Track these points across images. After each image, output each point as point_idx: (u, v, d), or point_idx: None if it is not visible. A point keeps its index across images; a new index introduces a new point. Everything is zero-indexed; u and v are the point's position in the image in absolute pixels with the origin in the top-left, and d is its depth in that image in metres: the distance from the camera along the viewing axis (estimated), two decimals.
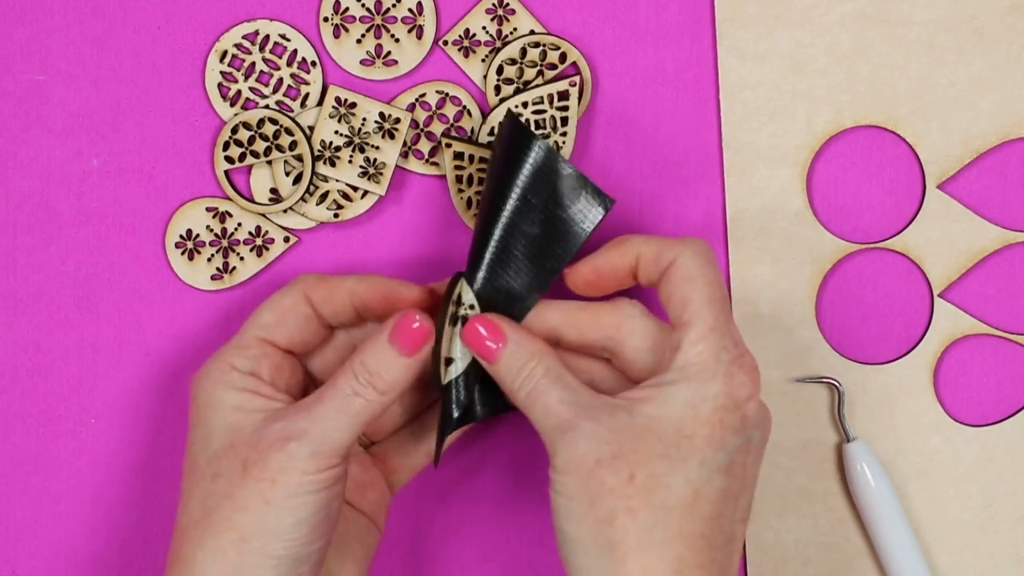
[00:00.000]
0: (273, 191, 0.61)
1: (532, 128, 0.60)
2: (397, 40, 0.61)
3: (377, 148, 0.60)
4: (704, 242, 0.53)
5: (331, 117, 0.60)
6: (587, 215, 0.55)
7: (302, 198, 0.61)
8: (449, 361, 0.54)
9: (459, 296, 0.54)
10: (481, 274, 0.54)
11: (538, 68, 0.61)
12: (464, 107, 0.61)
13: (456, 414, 0.54)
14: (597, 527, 0.49)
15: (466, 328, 0.53)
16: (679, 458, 0.49)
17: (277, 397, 0.53)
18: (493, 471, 0.62)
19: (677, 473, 0.49)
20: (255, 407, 0.52)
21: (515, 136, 0.54)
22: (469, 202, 0.60)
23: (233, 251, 0.61)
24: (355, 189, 0.61)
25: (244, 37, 0.61)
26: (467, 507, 0.62)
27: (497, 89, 0.61)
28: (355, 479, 0.56)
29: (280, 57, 0.61)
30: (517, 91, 0.61)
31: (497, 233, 0.54)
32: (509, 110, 0.54)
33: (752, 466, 0.52)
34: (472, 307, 0.54)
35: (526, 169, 0.54)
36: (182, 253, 0.61)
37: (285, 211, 0.61)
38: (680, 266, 0.52)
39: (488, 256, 0.54)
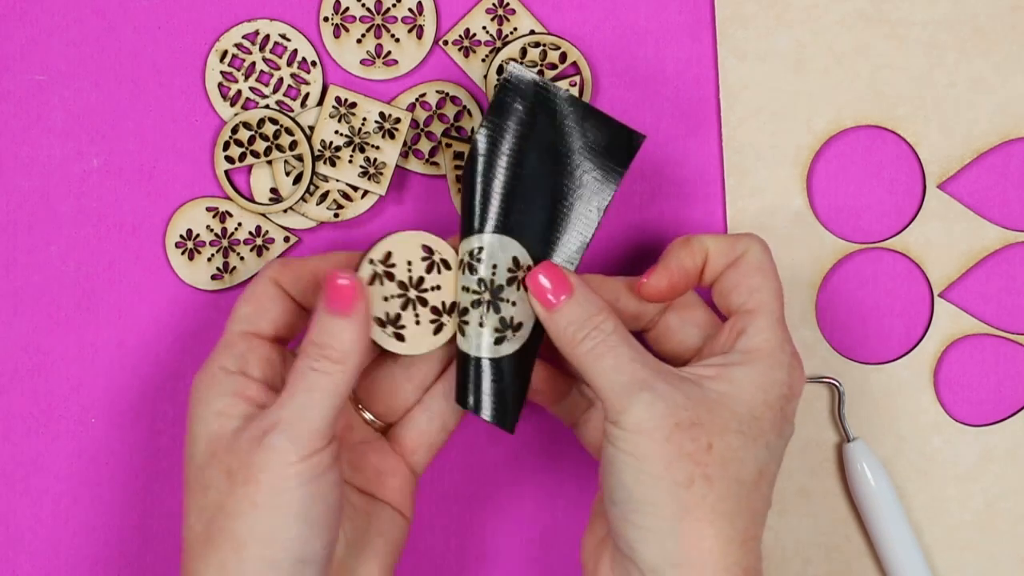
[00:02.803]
0: (273, 191, 0.61)
1: None
2: (397, 40, 0.61)
3: (377, 148, 0.60)
4: (764, 240, 0.55)
5: (331, 117, 0.60)
6: (620, 153, 0.55)
7: (302, 198, 0.61)
8: (519, 326, 0.54)
9: (515, 259, 0.54)
10: (522, 232, 0.54)
11: (538, 68, 0.61)
12: (464, 107, 0.61)
13: (521, 383, 0.54)
14: (674, 489, 0.49)
15: (531, 276, 0.53)
16: (751, 436, 0.51)
17: (262, 397, 0.52)
18: (492, 468, 0.62)
19: (748, 450, 0.50)
20: (237, 412, 0.51)
21: (528, 88, 0.54)
22: None
23: (233, 251, 0.61)
24: (355, 189, 0.61)
25: (244, 37, 0.61)
26: (466, 506, 0.62)
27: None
28: (374, 468, 0.56)
29: (280, 57, 0.61)
30: None
31: (537, 191, 0.54)
32: (513, 63, 0.54)
33: (783, 459, 0.53)
34: (530, 267, 0.54)
35: (553, 121, 0.54)
36: (182, 253, 0.61)
37: (285, 211, 0.61)
38: (752, 256, 0.54)
39: (530, 216, 0.54)
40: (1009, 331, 0.62)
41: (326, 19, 0.61)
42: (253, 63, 0.61)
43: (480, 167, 0.54)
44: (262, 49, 0.61)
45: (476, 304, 0.54)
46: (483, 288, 0.54)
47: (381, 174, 0.60)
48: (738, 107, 0.61)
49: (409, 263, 0.54)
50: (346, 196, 0.61)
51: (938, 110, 0.62)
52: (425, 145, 0.61)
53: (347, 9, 0.61)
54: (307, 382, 0.50)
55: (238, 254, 0.61)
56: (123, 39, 0.61)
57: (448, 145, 0.60)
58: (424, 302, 0.55)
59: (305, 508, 0.49)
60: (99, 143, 0.61)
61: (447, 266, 0.55)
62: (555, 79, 0.61)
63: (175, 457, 0.61)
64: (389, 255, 0.54)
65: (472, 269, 0.54)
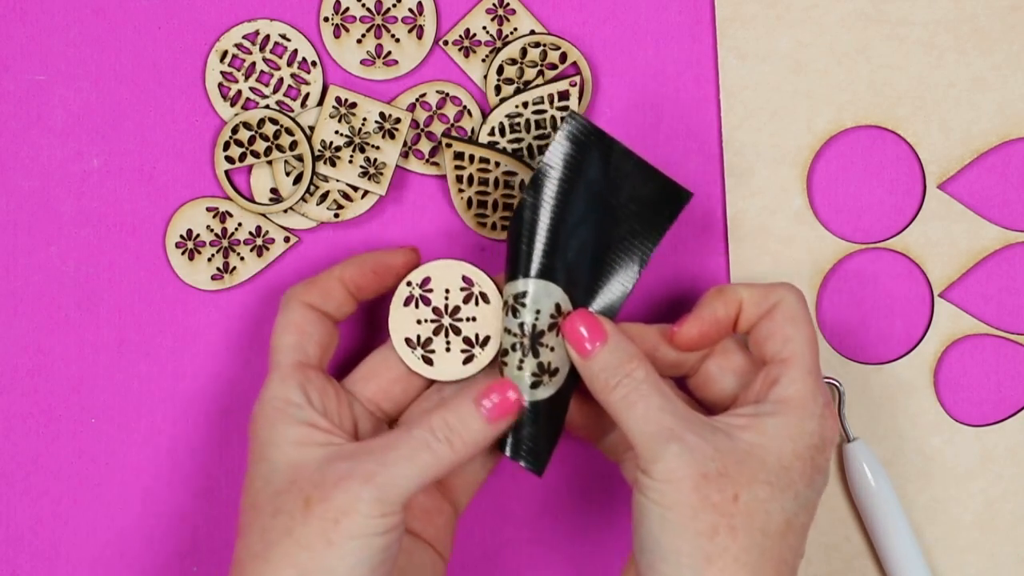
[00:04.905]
0: (273, 191, 0.61)
1: (532, 127, 0.60)
2: (397, 40, 0.61)
3: (377, 148, 0.60)
4: (799, 289, 0.55)
5: (331, 117, 0.60)
6: (667, 208, 0.55)
7: (302, 198, 0.61)
8: (555, 371, 0.54)
9: (558, 306, 0.54)
10: (566, 279, 0.54)
11: (538, 68, 0.61)
12: (464, 107, 0.61)
13: (554, 428, 0.55)
14: (696, 539, 0.50)
15: (566, 322, 0.54)
16: (779, 487, 0.51)
17: (334, 431, 0.53)
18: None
19: (776, 501, 0.51)
20: (316, 441, 0.52)
21: (587, 138, 0.54)
22: (469, 202, 0.60)
23: (233, 251, 0.61)
24: (355, 189, 0.61)
25: (244, 37, 0.61)
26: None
27: (497, 89, 0.61)
28: (421, 507, 0.56)
29: (280, 57, 0.61)
30: (517, 91, 0.61)
31: (583, 239, 0.54)
32: (572, 112, 0.54)
33: (816, 509, 0.54)
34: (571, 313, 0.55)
35: (605, 172, 0.54)
36: (182, 253, 0.61)
37: (285, 211, 0.61)
38: (786, 306, 0.54)
39: (575, 263, 0.54)
40: (1009, 331, 0.62)
41: (326, 19, 0.61)
42: (253, 63, 0.61)
43: (528, 211, 0.54)
44: (262, 49, 0.61)
45: (516, 347, 0.54)
46: (524, 333, 0.54)
47: (381, 174, 0.60)
48: (738, 107, 0.61)
49: (447, 291, 0.56)
50: (346, 196, 0.61)
51: (938, 110, 0.62)
52: (425, 145, 0.61)
53: (347, 9, 0.61)
54: (415, 453, 0.51)
55: (238, 254, 0.61)
56: (123, 39, 0.61)
57: (448, 145, 0.60)
58: (457, 331, 0.56)
59: (372, 555, 0.50)
60: (99, 143, 0.61)
61: (486, 300, 0.56)
62: (555, 79, 0.61)
63: (175, 457, 0.61)
64: (427, 280, 0.56)
65: (516, 312, 0.54)
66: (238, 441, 0.61)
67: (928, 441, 0.62)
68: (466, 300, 0.56)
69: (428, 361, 0.56)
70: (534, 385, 0.54)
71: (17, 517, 0.61)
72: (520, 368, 0.54)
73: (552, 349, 0.54)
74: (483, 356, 0.56)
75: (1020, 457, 0.62)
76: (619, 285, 0.55)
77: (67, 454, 0.61)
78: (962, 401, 0.62)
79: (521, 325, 0.54)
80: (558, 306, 0.54)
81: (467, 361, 0.56)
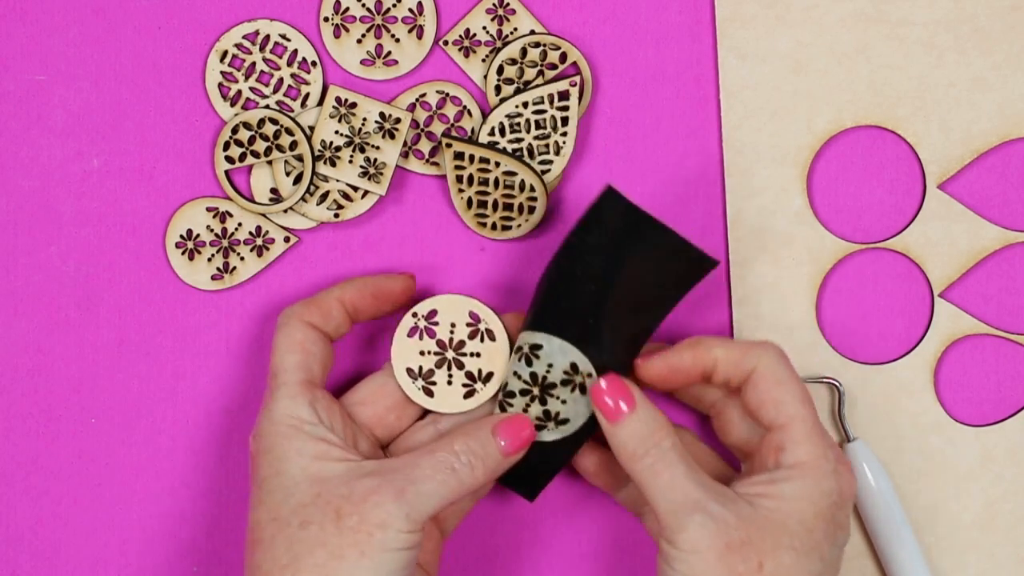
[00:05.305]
0: (273, 191, 0.61)
1: (532, 127, 0.60)
2: (397, 40, 0.61)
3: (377, 148, 0.60)
4: (778, 346, 0.55)
5: (331, 117, 0.60)
6: (689, 276, 0.55)
7: (302, 198, 0.61)
8: (564, 422, 0.55)
9: (574, 365, 0.54)
10: (585, 340, 0.54)
11: (538, 68, 0.61)
12: (464, 107, 0.61)
13: (552, 467, 0.57)
14: None
15: (595, 387, 0.54)
16: (803, 551, 0.51)
17: (346, 448, 0.54)
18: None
19: (801, 565, 0.51)
20: (334, 456, 0.53)
21: (620, 212, 0.54)
22: (469, 202, 0.60)
23: (233, 251, 0.61)
24: (355, 189, 0.61)
25: (244, 37, 0.61)
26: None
27: (497, 89, 0.61)
28: None
29: (280, 57, 0.61)
30: (517, 91, 0.61)
31: (607, 305, 0.54)
32: (609, 185, 0.54)
33: (840, 564, 0.54)
34: (590, 375, 0.55)
35: (638, 246, 0.54)
36: (182, 253, 0.61)
37: (285, 211, 0.61)
38: (765, 371, 0.54)
39: (595, 326, 0.54)
40: (1009, 331, 0.62)
41: (326, 19, 0.61)
42: (253, 63, 0.61)
43: (556, 273, 0.55)
44: (262, 49, 0.61)
45: (524, 393, 0.55)
46: (534, 382, 0.55)
47: (381, 174, 0.60)
48: (738, 107, 0.61)
49: (452, 325, 0.57)
50: (346, 196, 0.61)
51: (938, 110, 0.62)
52: (425, 145, 0.61)
53: (347, 9, 0.61)
54: (443, 475, 0.52)
55: (238, 254, 0.61)
56: (123, 39, 0.61)
57: (448, 145, 0.60)
58: (460, 365, 0.57)
59: (398, 570, 0.51)
60: (99, 143, 0.61)
61: (491, 337, 0.57)
62: (555, 79, 0.61)
63: (175, 457, 0.61)
64: (434, 312, 0.56)
65: (528, 361, 0.55)
66: (238, 441, 0.61)
67: (928, 441, 0.62)
68: (472, 336, 0.56)
69: (429, 392, 0.57)
70: (537, 428, 0.55)
71: (17, 517, 0.61)
72: (525, 411, 0.55)
73: (564, 402, 0.55)
74: (485, 392, 0.57)
75: (1020, 457, 0.62)
76: (634, 345, 0.56)
77: (67, 454, 0.61)
78: (962, 401, 0.62)
79: (532, 375, 0.55)
80: (574, 365, 0.55)
81: (468, 395, 0.57)
